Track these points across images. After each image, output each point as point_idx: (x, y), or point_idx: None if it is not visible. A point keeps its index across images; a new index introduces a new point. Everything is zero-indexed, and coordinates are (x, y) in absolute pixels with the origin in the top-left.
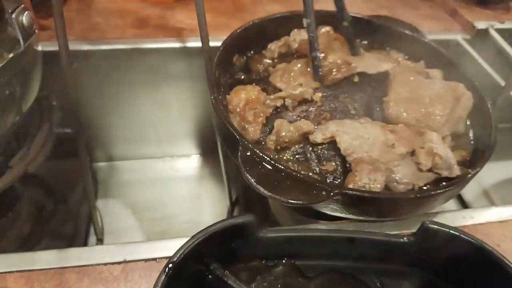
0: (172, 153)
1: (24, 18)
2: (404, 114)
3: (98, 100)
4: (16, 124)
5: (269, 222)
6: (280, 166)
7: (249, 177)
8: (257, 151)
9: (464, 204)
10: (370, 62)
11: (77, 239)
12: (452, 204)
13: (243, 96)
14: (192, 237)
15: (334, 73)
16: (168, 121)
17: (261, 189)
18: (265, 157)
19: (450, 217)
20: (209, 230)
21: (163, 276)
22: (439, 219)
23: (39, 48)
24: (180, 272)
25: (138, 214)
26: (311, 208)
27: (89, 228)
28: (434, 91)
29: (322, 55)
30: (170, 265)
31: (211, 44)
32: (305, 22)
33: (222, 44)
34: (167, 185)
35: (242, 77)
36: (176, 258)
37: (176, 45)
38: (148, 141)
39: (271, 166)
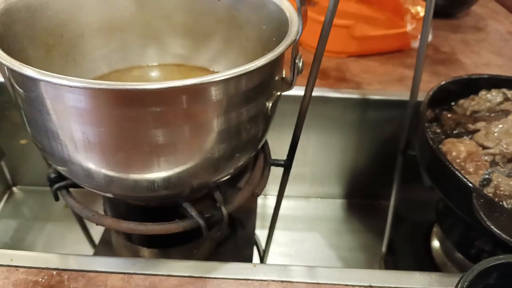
0: (319, 194)
1: (301, 63)
2: None
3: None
4: (251, 157)
5: None
6: None
7: (488, 222)
8: (493, 200)
9: None
10: None
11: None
12: None
13: (462, 149)
14: (473, 268)
15: None
16: (325, 163)
17: (503, 236)
18: (503, 204)
19: None
20: (489, 264)
21: None
22: None
23: None
24: None
25: (284, 247)
26: None
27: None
28: None
29: None
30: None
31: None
32: None
33: (425, 98)
34: (312, 225)
35: (438, 130)
36: (466, 283)
37: (355, 96)
38: (303, 181)
39: (508, 213)
